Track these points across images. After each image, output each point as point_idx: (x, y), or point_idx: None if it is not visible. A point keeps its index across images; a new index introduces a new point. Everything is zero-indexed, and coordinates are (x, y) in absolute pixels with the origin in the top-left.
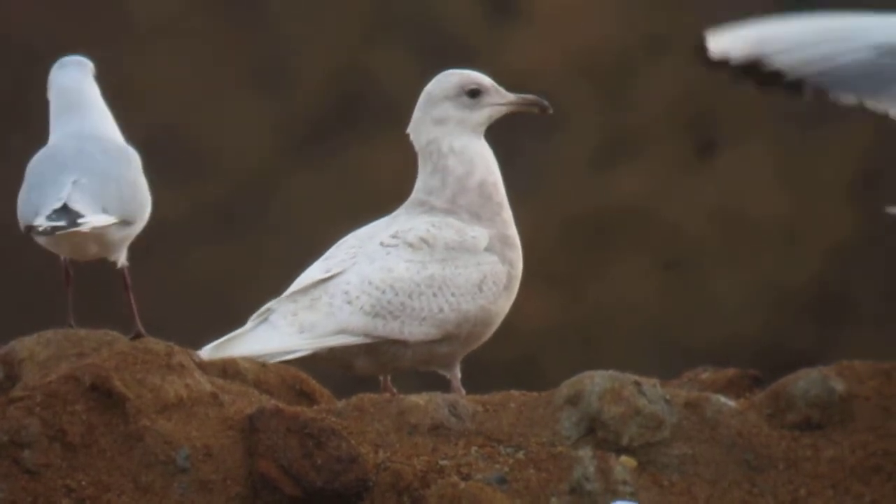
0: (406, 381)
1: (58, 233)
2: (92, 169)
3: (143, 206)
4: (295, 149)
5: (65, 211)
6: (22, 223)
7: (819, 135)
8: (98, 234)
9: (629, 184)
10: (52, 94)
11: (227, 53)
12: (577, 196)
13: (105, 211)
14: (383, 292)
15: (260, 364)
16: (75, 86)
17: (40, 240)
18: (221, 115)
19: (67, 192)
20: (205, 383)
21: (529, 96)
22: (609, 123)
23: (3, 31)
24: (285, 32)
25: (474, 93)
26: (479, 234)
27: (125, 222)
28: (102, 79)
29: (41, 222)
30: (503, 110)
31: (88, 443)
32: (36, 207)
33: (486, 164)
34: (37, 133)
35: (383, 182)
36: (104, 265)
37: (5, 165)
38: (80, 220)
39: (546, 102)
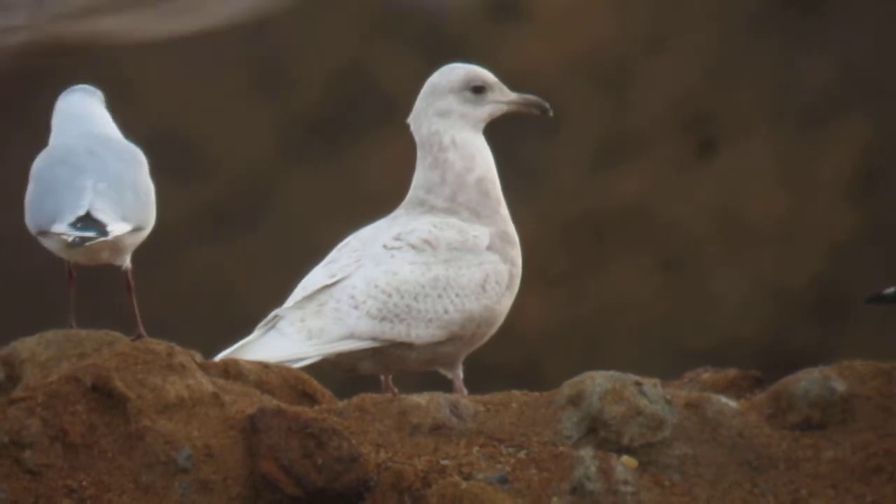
0: (407, 381)
1: (87, 244)
2: (108, 174)
3: (153, 211)
4: (294, 149)
5: (89, 220)
6: (35, 227)
7: (819, 135)
8: (114, 242)
9: (629, 184)
10: (55, 116)
11: (227, 54)
12: (578, 196)
13: (124, 219)
14: (389, 296)
15: (261, 364)
16: (80, 102)
17: (50, 244)
18: (221, 115)
19: (89, 200)
20: (206, 383)
21: (531, 97)
22: (609, 123)
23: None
24: (285, 32)
25: (479, 89)
26: (481, 234)
27: (138, 228)
28: (103, 79)
29: (64, 230)
30: (504, 109)
31: (89, 443)
32: (54, 213)
33: (485, 160)
34: (39, 133)
35: (383, 182)
36: (106, 267)
37: (6, 166)
38: (108, 230)
39: (547, 105)
